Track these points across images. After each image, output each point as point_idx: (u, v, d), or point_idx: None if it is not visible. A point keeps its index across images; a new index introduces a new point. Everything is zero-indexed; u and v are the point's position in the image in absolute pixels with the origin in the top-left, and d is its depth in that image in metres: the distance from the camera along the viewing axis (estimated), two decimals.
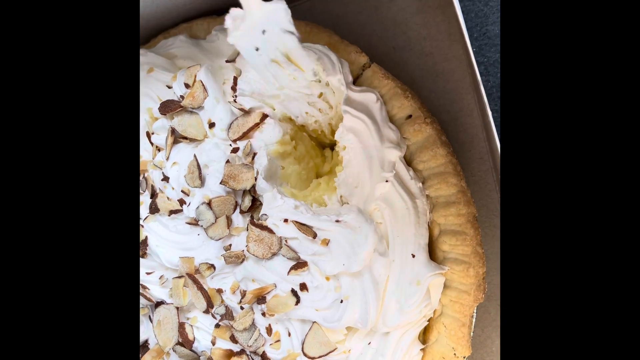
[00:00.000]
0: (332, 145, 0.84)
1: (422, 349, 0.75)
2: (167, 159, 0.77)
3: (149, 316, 0.79)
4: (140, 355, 0.80)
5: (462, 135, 0.83)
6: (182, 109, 0.76)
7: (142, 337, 0.80)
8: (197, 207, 0.74)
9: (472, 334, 0.75)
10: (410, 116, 0.75)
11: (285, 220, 0.70)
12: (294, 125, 0.80)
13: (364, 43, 0.81)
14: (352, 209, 0.70)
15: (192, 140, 0.77)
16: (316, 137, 0.83)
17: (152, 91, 0.82)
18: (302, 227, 0.70)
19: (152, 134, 0.80)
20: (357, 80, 0.79)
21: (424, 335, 0.77)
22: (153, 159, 0.79)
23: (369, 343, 0.73)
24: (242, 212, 0.74)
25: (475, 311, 0.75)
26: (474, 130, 0.82)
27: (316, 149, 0.83)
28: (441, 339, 0.75)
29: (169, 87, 0.80)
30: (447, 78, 0.83)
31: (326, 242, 0.70)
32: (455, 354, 0.74)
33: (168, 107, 0.77)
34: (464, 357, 0.74)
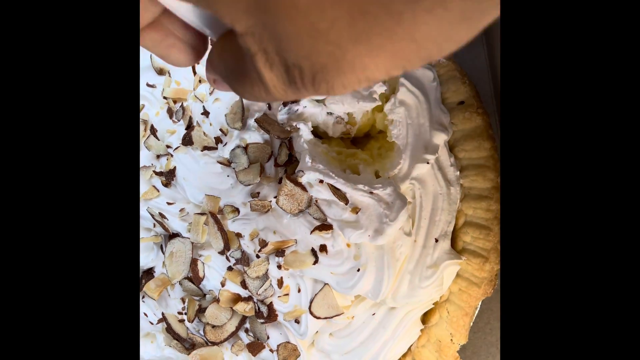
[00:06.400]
0: None
1: (421, 330, 0.77)
2: (211, 93, 0.74)
3: (161, 245, 0.78)
4: (143, 281, 0.80)
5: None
6: None
7: (149, 265, 0.80)
8: (233, 149, 0.73)
9: (471, 323, 0.77)
10: (462, 102, 0.74)
11: (321, 182, 0.70)
12: None
13: None
14: (389, 184, 0.70)
15: None
16: None
17: None
18: (337, 191, 0.69)
19: (198, 63, 0.77)
20: None
21: (424, 316, 0.79)
22: (194, 89, 0.76)
23: (373, 314, 0.74)
24: (277, 165, 0.73)
25: (479, 304, 0.77)
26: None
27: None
28: (441, 323, 0.77)
29: None
30: None
31: (356, 211, 0.70)
32: (452, 339, 0.76)
33: None
34: (459, 344, 0.77)
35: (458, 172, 0.74)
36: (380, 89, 0.73)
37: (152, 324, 0.82)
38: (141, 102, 0.80)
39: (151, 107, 0.80)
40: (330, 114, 0.74)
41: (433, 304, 0.76)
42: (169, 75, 0.79)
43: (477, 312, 0.77)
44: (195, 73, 0.77)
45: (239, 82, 0.41)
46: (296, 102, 0.74)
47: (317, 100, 0.74)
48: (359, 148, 0.79)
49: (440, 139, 0.72)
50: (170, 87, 0.78)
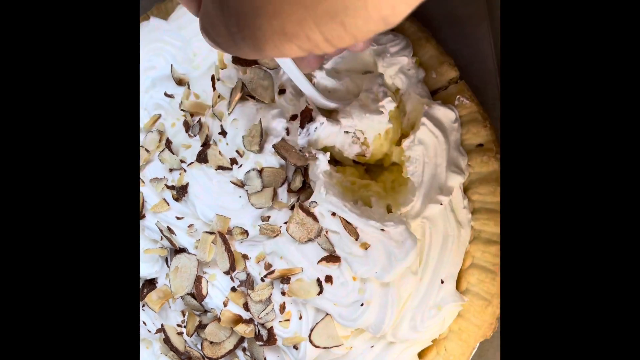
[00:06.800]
0: None
1: None
2: (230, 113, 0.74)
3: (167, 258, 0.78)
4: (145, 290, 0.80)
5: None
6: (258, 66, 0.73)
7: (153, 275, 0.80)
8: (248, 172, 0.72)
9: None
10: (481, 145, 0.74)
11: (333, 214, 0.70)
12: None
13: None
14: (401, 222, 0.70)
15: (258, 101, 0.74)
16: None
17: None
18: (348, 225, 0.69)
19: (218, 80, 0.76)
20: (438, 92, 0.77)
21: (421, 351, 0.79)
22: (213, 106, 0.76)
23: (372, 347, 0.75)
24: (290, 190, 0.73)
25: (477, 345, 0.77)
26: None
27: None
28: None
29: None
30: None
31: (366, 247, 0.70)
32: None
33: (243, 60, 0.73)
34: None
35: (470, 215, 0.74)
36: (389, 104, 0.72)
37: (150, 332, 0.82)
38: (158, 112, 0.79)
39: (167, 117, 0.79)
40: (347, 132, 0.74)
41: (432, 341, 0.77)
42: (188, 87, 0.78)
43: (474, 352, 0.78)
44: (214, 89, 0.76)
45: (202, 16, 0.41)
46: (312, 120, 0.73)
47: (328, 111, 0.73)
48: (372, 179, 0.78)
49: (456, 181, 0.72)
50: (189, 99, 0.78)
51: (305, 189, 0.73)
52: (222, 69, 0.76)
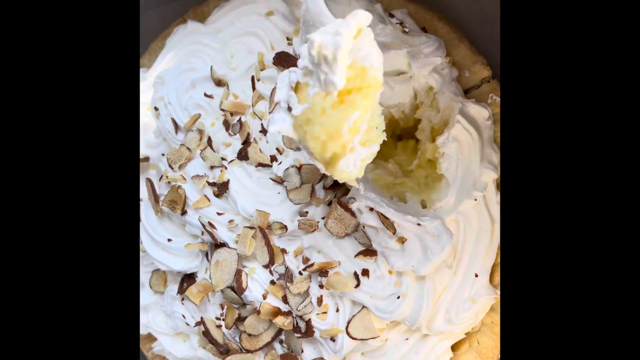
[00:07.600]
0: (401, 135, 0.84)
1: (451, 358, 0.79)
2: (270, 112, 0.76)
3: (207, 253, 0.81)
4: (185, 284, 0.83)
5: None
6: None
7: (192, 270, 0.82)
8: (287, 169, 0.75)
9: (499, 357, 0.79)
10: None
11: (371, 209, 0.72)
12: None
13: None
14: (436, 217, 0.72)
15: None
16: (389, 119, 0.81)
17: (266, 36, 0.80)
18: (386, 220, 0.71)
19: (258, 80, 0.79)
20: (471, 90, 0.79)
21: (454, 344, 0.81)
22: (253, 105, 0.78)
23: (407, 339, 0.77)
24: (324, 187, 0.75)
25: None
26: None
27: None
28: (470, 352, 0.79)
29: (288, 39, 0.79)
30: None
31: (402, 240, 0.72)
32: None
33: (284, 61, 0.76)
34: None
35: None
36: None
37: (188, 325, 0.84)
38: (197, 111, 0.82)
39: (207, 116, 0.82)
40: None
41: (465, 334, 0.79)
42: (227, 88, 0.81)
43: None
44: (254, 89, 0.79)
45: None
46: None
47: None
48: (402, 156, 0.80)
49: (489, 177, 0.74)
50: (228, 99, 0.80)
51: (341, 186, 0.76)
52: (262, 70, 0.79)
